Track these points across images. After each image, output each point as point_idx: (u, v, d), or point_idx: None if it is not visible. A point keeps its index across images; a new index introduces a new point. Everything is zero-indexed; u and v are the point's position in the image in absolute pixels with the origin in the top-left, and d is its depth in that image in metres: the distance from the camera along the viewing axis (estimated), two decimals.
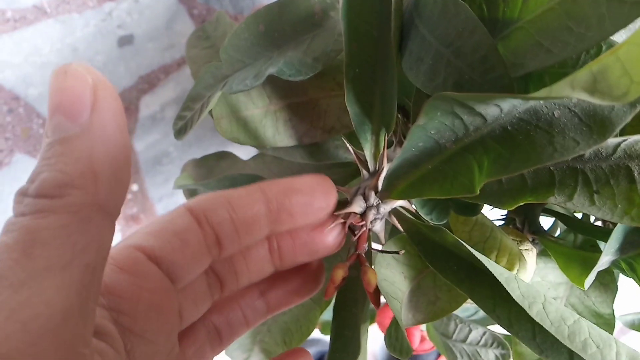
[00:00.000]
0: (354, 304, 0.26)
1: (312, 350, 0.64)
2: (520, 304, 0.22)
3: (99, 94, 0.15)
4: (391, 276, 0.24)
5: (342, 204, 0.25)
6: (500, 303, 0.23)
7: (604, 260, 0.22)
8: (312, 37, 0.26)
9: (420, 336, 0.37)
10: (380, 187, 0.25)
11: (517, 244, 0.27)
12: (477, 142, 0.21)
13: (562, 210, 0.29)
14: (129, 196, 0.60)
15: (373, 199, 0.25)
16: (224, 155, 0.34)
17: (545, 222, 0.31)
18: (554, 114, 0.19)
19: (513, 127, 0.19)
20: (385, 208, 0.25)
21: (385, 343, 0.26)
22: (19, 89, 0.55)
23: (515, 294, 0.22)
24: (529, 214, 0.28)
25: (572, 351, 0.22)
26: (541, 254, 0.28)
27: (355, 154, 0.26)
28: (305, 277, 0.24)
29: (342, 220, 0.23)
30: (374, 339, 0.72)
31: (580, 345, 0.21)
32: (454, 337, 0.32)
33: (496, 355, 0.30)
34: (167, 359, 0.20)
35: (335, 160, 0.29)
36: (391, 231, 0.30)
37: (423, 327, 0.38)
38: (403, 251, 0.24)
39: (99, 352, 0.16)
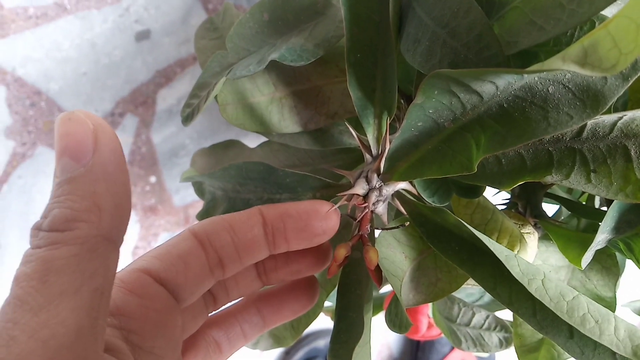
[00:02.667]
0: (357, 285, 0.27)
1: (324, 342, 0.65)
2: (520, 280, 0.22)
3: (99, 137, 0.17)
4: (392, 256, 0.24)
5: (346, 186, 0.25)
6: (500, 281, 0.24)
7: (600, 239, 0.22)
8: (314, 24, 0.26)
9: (427, 322, 0.37)
10: (382, 170, 0.25)
11: (519, 227, 0.27)
12: (475, 121, 0.21)
13: (565, 195, 0.29)
14: (146, 188, 0.62)
15: (375, 181, 0.26)
16: (231, 144, 0.35)
17: (550, 209, 0.31)
18: (548, 90, 0.19)
19: (509, 104, 0.20)
20: (388, 190, 0.26)
21: (385, 319, 0.26)
22: (41, 83, 0.56)
23: (514, 271, 0.22)
24: (531, 198, 0.28)
25: (572, 327, 0.22)
26: (543, 238, 0.28)
27: (358, 138, 0.27)
28: (299, 295, 0.26)
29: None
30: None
31: (579, 320, 0.21)
32: (457, 320, 0.32)
33: (499, 339, 0.30)
34: None
35: (339, 146, 0.30)
36: (395, 215, 0.30)
37: (430, 313, 0.38)
38: (408, 223, 0.25)
39: None
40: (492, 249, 0.22)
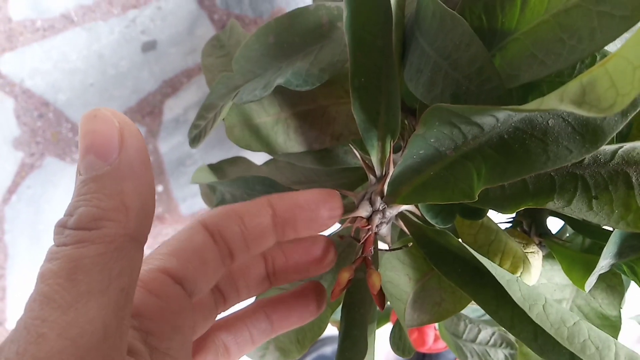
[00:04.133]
0: (361, 304, 0.27)
1: (331, 348, 0.65)
2: (521, 306, 0.22)
3: (125, 135, 0.16)
4: (396, 278, 0.24)
5: (350, 208, 0.26)
6: (502, 305, 0.24)
7: (603, 264, 0.22)
8: (320, 47, 0.27)
9: (434, 335, 0.37)
10: (385, 192, 0.26)
11: (523, 246, 0.27)
12: (476, 150, 0.21)
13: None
14: None
15: (379, 203, 0.26)
16: (237, 160, 0.35)
17: (555, 224, 0.31)
18: (548, 123, 0.19)
19: (509, 136, 0.20)
20: (391, 212, 0.26)
21: (390, 342, 0.27)
22: (49, 94, 0.57)
23: (516, 296, 0.22)
24: (536, 217, 0.28)
25: (573, 353, 0.22)
26: (548, 256, 0.29)
27: (362, 159, 0.27)
28: (307, 301, 0.26)
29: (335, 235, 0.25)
30: None
31: (580, 346, 0.21)
32: (464, 337, 0.32)
33: (505, 355, 0.31)
34: None
35: (344, 165, 0.30)
36: (399, 235, 0.31)
37: (437, 325, 0.38)
38: (411, 244, 0.25)
39: None
40: (494, 273, 0.23)
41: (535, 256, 0.27)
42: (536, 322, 0.22)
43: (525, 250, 0.27)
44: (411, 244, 0.25)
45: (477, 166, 0.21)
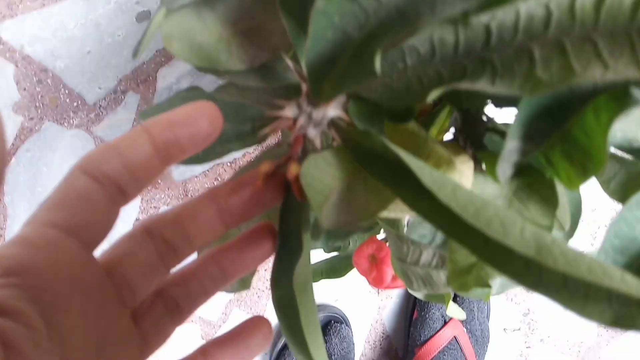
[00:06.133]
0: (294, 211, 0.28)
1: (319, 315, 0.65)
2: (429, 188, 0.22)
3: None
4: (320, 175, 0.25)
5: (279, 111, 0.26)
6: (420, 197, 0.24)
7: (511, 146, 0.22)
8: None
9: (391, 274, 0.37)
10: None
11: (454, 155, 0.27)
12: (378, 27, 0.22)
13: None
14: None
15: (305, 105, 0.26)
16: (191, 90, 0.36)
17: None
18: None
19: (404, 4, 0.20)
20: (318, 114, 0.27)
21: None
22: (48, 61, 0.60)
23: (425, 179, 0.22)
24: (471, 132, 0.28)
25: (487, 239, 0.22)
26: (485, 172, 0.28)
27: (293, 67, 0.28)
28: (259, 243, 0.25)
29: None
30: (383, 307, 0.72)
31: (485, 222, 0.21)
32: (408, 260, 0.32)
33: (447, 276, 0.30)
34: (113, 333, 0.21)
35: (285, 82, 0.31)
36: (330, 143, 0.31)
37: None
38: (336, 142, 0.25)
39: (2, 331, 0.16)
40: (406, 160, 0.23)
41: (466, 165, 0.27)
42: (444, 201, 0.22)
43: (456, 159, 0.27)
44: (336, 142, 0.25)
45: (380, 42, 0.21)
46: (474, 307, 0.70)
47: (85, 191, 0.19)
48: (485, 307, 0.72)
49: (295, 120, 0.26)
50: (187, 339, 0.68)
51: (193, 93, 0.27)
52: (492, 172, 0.26)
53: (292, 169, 0.24)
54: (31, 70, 0.60)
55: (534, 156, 0.23)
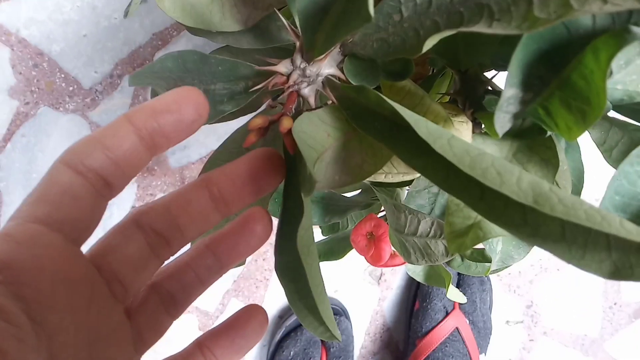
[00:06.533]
0: (296, 175, 0.27)
1: None
2: (425, 140, 0.21)
3: None
4: (313, 132, 0.24)
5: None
6: (417, 153, 0.23)
7: (509, 95, 0.21)
8: None
9: (390, 251, 0.36)
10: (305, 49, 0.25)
11: (452, 116, 0.26)
12: None
13: None
14: None
15: (299, 61, 0.26)
16: (183, 51, 0.36)
17: None
18: None
19: None
20: (312, 70, 0.26)
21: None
22: (43, 45, 0.59)
23: (421, 131, 0.22)
24: (470, 93, 0.28)
25: (483, 189, 0.22)
26: (484, 135, 0.28)
27: (287, 24, 0.27)
28: (252, 228, 0.24)
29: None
30: (384, 298, 0.71)
31: (481, 172, 0.20)
32: (405, 230, 0.31)
33: (445, 246, 0.30)
34: (105, 328, 0.20)
35: (280, 43, 0.30)
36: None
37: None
38: (330, 102, 0.25)
39: None
40: (401, 112, 0.22)
41: (464, 125, 0.26)
42: (440, 153, 0.21)
43: (454, 119, 0.26)
44: (331, 101, 0.25)
45: None
46: (476, 298, 0.69)
47: (69, 185, 0.19)
48: (488, 298, 0.71)
49: (288, 76, 0.26)
50: (184, 330, 0.67)
51: (185, 52, 0.27)
52: (492, 130, 0.25)
53: (285, 123, 0.23)
54: (27, 54, 0.59)
55: (532, 109, 0.22)
